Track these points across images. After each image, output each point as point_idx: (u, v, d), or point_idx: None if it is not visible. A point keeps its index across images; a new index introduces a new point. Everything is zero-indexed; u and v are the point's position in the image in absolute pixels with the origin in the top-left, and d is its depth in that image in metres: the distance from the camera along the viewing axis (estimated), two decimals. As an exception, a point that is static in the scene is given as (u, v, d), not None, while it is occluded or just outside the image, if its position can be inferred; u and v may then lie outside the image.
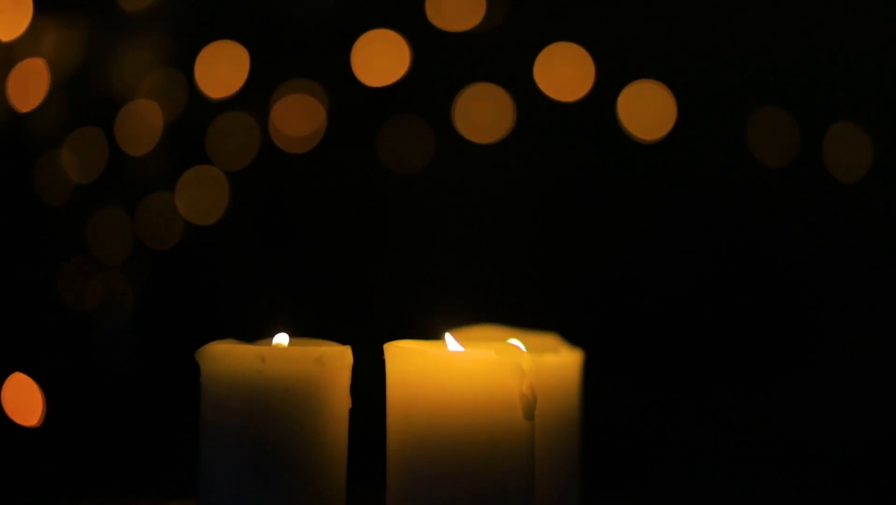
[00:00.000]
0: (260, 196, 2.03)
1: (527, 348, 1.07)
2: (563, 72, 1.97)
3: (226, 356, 1.07)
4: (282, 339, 1.12)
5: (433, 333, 1.11)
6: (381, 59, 1.99)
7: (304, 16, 2.00)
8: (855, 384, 1.94)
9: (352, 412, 1.11)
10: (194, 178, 2.00)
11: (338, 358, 1.09)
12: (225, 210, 2.00)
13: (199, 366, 1.09)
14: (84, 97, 1.96)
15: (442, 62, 1.99)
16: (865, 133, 1.93)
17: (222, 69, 1.99)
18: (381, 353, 1.08)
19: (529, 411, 1.05)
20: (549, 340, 1.27)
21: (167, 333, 1.99)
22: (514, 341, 1.18)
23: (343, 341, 1.12)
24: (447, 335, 1.10)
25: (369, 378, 1.13)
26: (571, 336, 1.29)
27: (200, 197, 2.00)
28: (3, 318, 1.92)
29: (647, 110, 1.96)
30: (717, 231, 1.99)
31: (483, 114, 1.98)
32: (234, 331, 1.18)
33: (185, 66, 1.98)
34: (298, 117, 2.00)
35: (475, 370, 1.04)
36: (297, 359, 1.08)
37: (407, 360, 1.06)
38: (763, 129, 1.95)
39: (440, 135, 2.00)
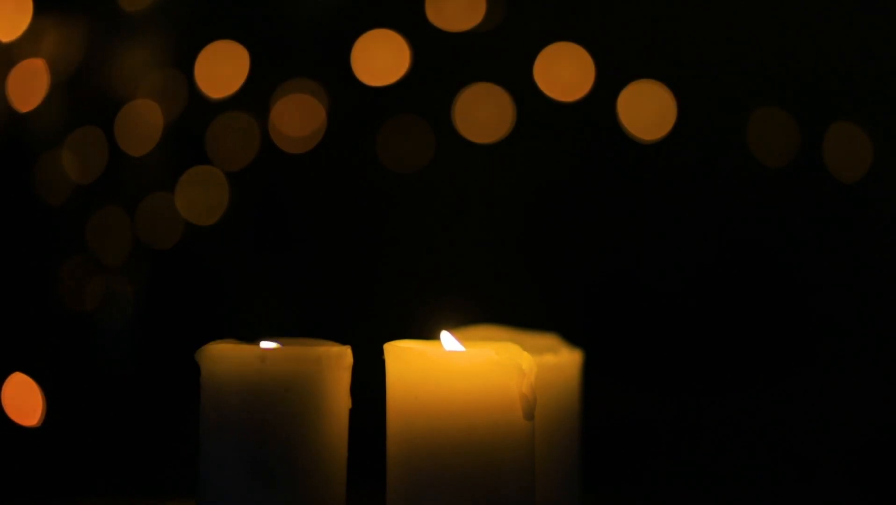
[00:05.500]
0: (260, 196, 2.03)
1: (527, 348, 1.07)
2: (563, 72, 1.97)
3: (226, 356, 1.08)
4: (267, 346, 1.11)
5: (433, 333, 1.11)
6: (381, 59, 1.99)
7: (304, 16, 2.00)
8: (856, 384, 1.95)
9: (352, 412, 1.11)
10: (194, 178, 2.00)
11: (338, 358, 1.09)
12: (225, 210, 2.00)
13: (199, 366, 1.09)
14: (84, 97, 1.96)
15: (442, 62, 1.99)
16: (865, 133, 1.93)
17: (222, 69, 1.99)
18: (381, 353, 1.08)
19: (529, 411, 1.05)
20: (549, 340, 1.27)
21: (167, 333, 1.99)
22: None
23: (343, 341, 1.12)
24: (443, 333, 1.10)
25: (369, 378, 1.13)
26: (571, 336, 1.29)
27: (200, 197, 2.00)
28: (3, 318, 1.93)
29: (647, 110, 1.96)
30: (717, 231, 1.99)
31: (483, 114, 1.98)
32: (234, 331, 1.18)
33: (185, 66, 1.98)
34: (298, 117, 2.00)
35: (475, 370, 1.04)
36: (297, 359, 1.08)
37: (407, 360, 1.06)
38: (763, 129, 1.95)
39: (440, 135, 2.00)
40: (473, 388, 1.04)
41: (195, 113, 1.99)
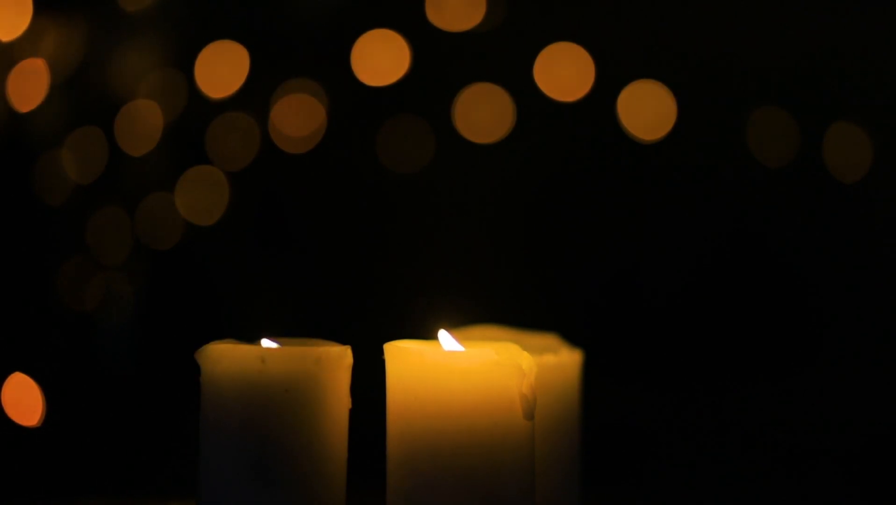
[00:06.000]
0: (260, 196, 2.03)
1: (527, 348, 1.07)
2: (563, 72, 1.97)
3: (226, 356, 1.07)
4: (268, 344, 1.11)
5: (433, 333, 1.11)
6: (381, 59, 1.99)
7: (304, 16, 2.00)
8: (855, 383, 1.94)
9: (352, 412, 1.11)
10: (194, 178, 2.00)
11: (338, 358, 1.09)
12: (225, 210, 2.00)
13: (199, 366, 1.09)
14: (84, 97, 1.96)
15: (442, 62, 1.99)
16: (865, 133, 1.93)
17: (222, 69, 1.99)
18: (381, 353, 1.08)
19: (529, 412, 1.05)
20: (549, 340, 1.27)
21: (167, 333, 1.99)
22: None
23: (343, 341, 1.12)
24: (441, 332, 1.10)
25: (369, 378, 1.13)
26: (571, 336, 1.29)
27: (200, 197, 2.00)
28: (3, 318, 1.93)
29: (647, 110, 1.96)
30: (717, 231, 1.99)
31: (483, 114, 1.98)
32: (234, 331, 1.18)
33: (185, 66, 1.98)
34: (298, 117, 2.00)
35: (475, 371, 1.04)
36: (297, 359, 1.08)
37: (407, 360, 1.06)
38: (763, 129, 1.95)
39: (440, 135, 2.00)
40: (473, 388, 1.04)
41: (195, 113, 1.99)
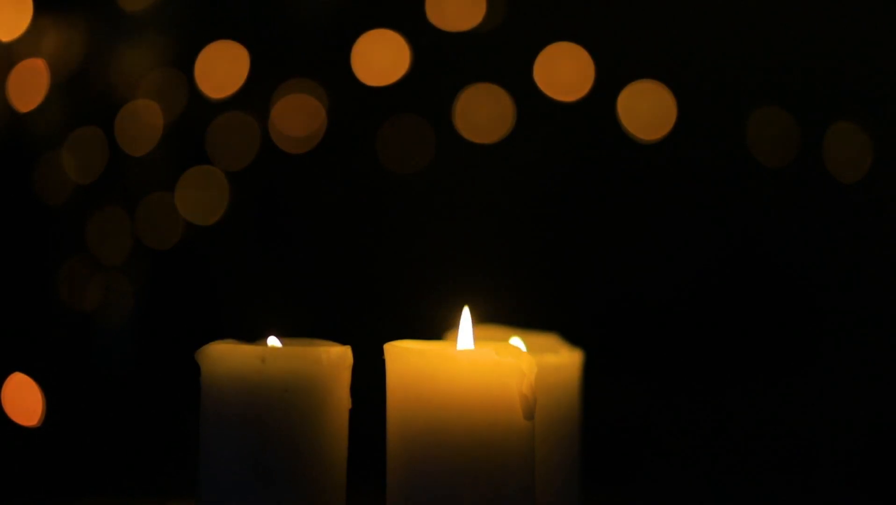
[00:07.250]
0: (260, 196, 2.03)
1: (527, 348, 1.07)
2: (563, 72, 1.97)
3: (226, 356, 1.07)
4: (274, 342, 1.12)
5: (433, 333, 1.11)
6: (381, 59, 1.99)
7: (304, 16, 2.00)
8: (856, 383, 1.95)
9: (352, 412, 1.11)
10: (194, 178, 2.00)
11: (338, 358, 1.09)
12: (225, 210, 2.00)
13: (199, 366, 1.09)
14: (84, 97, 1.96)
15: (442, 62, 1.99)
16: (865, 133, 1.93)
17: (222, 69, 1.99)
18: (381, 353, 1.08)
19: (529, 411, 1.05)
20: (549, 340, 1.27)
21: (167, 333, 1.99)
22: (515, 340, 1.18)
23: (343, 341, 1.12)
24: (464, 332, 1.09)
25: (369, 378, 1.13)
26: (571, 336, 1.29)
27: (200, 197, 2.00)
28: (3, 318, 1.92)
29: (647, 110, 1.96)
30: (717, 231, 1.99)
31: (483, 114, 1.98)
32: (234, 331, 1.18)
33: (185, 66, 1.98)
34: (298, 117, 2.00)
35: (475, 370, 1.04)
36: (297, 359, 1.07)
37: (407, 360, 1.06)
38: (763, 129, 1.95)
39: (440, 135, 2.00)
40: (473, 387, 1.04)
41: (195, 113, 1.99)
